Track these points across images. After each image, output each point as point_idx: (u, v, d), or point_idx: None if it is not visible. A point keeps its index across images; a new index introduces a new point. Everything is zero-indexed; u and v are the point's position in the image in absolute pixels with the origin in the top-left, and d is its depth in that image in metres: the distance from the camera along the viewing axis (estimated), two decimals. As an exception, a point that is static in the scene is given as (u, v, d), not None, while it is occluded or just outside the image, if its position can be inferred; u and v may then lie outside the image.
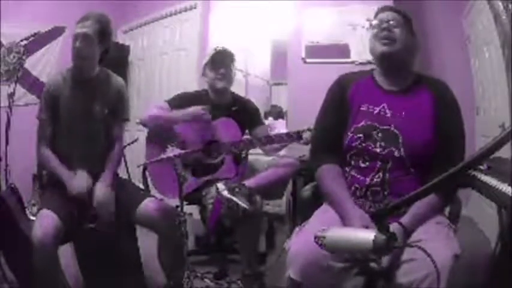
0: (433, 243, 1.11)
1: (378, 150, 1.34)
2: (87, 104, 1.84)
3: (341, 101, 1.46)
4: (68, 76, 1.86)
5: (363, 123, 1.39)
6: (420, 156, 1.32)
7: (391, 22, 1.39)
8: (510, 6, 2.34)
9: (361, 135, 1.37)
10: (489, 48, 2.92)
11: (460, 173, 0.71)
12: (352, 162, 1.39)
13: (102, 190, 1.75)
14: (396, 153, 1.32)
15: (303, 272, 1.18)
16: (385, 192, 1.32)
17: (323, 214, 1.37)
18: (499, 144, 0.64)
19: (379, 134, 1.36)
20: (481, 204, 2.85)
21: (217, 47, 2.28)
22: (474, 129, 3.23)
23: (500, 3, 2.45)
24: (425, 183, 0.97)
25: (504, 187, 1.28)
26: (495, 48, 2.72)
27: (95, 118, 1.85)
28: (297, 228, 1.38)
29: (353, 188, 1.37)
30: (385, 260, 1.11)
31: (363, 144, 1.36)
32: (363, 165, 1.36)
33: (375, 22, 1.43)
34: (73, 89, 1.84)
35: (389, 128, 1.36)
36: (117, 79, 1.96)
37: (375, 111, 1.40)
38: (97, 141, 1.88)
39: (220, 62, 2.23)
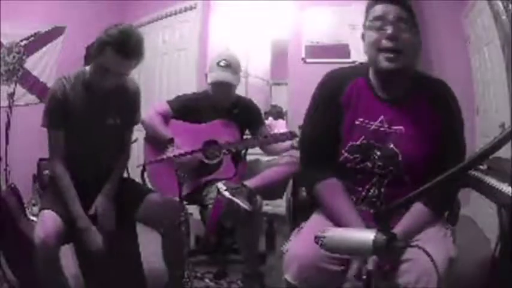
0: (428, 245, 1.10)
1: (376, 170, 1.26)
2: (100, 115, 1.74)
3: (333, 106, 1.28)
4: (77, 83, 1.71)
5: (358, 142, 1.26)
6: (419, 171, 1.22)
7: (396, 21, 1.16)
8: (510, 6, 2.33)
9: (357, 155, 1.26)
10: (489, 48, 2.92)
11: (460, 174, 0.71)
12: (347, 175, 1.30)
13: (103, 204, 1.69)
14: (395, 172, 1.24)
15: (299, 275, 1.17)
16: (381, 202, 1.27)
17: (321, 216, 1.35)
18: (499, 144, 0.63)
19: (378, 153, 1.25)
20: (481, 204, 2.85)
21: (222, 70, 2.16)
22: (474, 129, 3.23)
23: (500, 3, 2.44)
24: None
25: (504, 187, 1.28)
26: (495, 48, 2.72)
27: (108, 128, 1.76)
28: (295, 230, 1.37)
29: None
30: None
31: (360, 165, 1.27)
32: (359, 176, 1.29)
33: (369, 23, 1.20)
34: (85, 97, 1.70)
35: (388, 146, 1.24)
36: (133, 84, 1.89)
37: (372, 127, 1.26)
38: (106, 147, 1.79)
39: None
